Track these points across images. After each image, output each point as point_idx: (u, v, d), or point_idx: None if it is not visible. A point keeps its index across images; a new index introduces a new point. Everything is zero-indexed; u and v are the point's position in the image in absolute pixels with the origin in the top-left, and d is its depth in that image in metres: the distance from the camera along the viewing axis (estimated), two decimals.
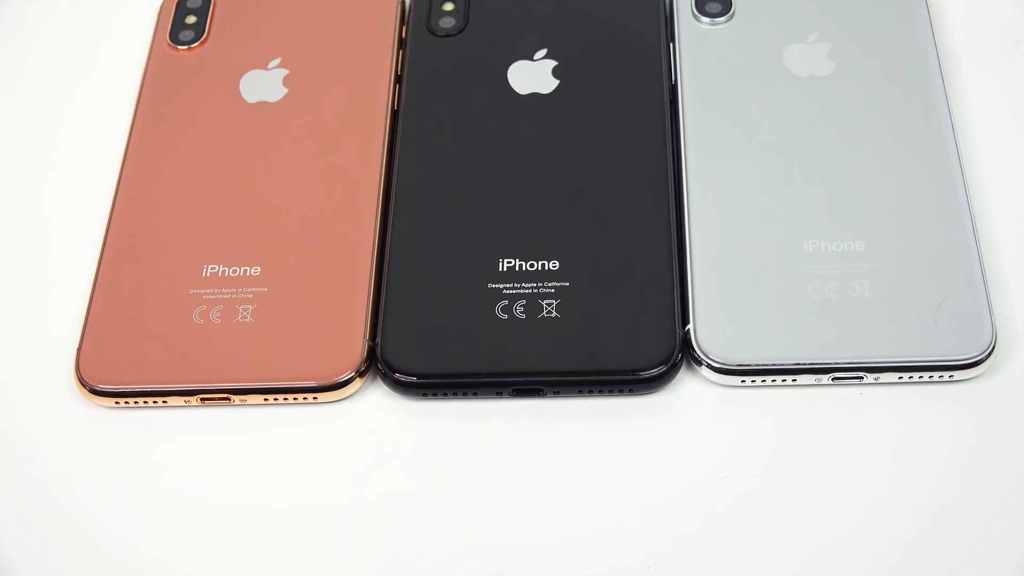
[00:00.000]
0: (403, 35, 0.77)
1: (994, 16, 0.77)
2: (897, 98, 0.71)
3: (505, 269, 0.68)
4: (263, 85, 0.75)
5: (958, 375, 0.64)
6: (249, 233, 0.69)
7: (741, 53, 0.74)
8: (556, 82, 0.74)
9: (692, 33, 0.75)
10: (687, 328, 0.66)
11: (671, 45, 0.75)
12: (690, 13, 0.76)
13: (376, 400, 0.66)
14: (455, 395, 0.66)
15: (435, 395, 0.66)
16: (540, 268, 0.67)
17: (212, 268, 0.68)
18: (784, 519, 0.62)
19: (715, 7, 0.76)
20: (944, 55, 0.74)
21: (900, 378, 0.64)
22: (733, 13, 0.75)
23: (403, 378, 0.65)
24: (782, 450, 0.64)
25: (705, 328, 0.65)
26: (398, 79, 0.75)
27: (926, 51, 0.73)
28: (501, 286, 0.67)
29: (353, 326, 0.67)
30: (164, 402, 0.66)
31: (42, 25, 0.81)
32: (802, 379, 0.65)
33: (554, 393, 0.65)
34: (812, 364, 0.64)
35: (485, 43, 0.76)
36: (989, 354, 0.64)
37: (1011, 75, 0.75)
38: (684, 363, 0.66)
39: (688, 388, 0.66)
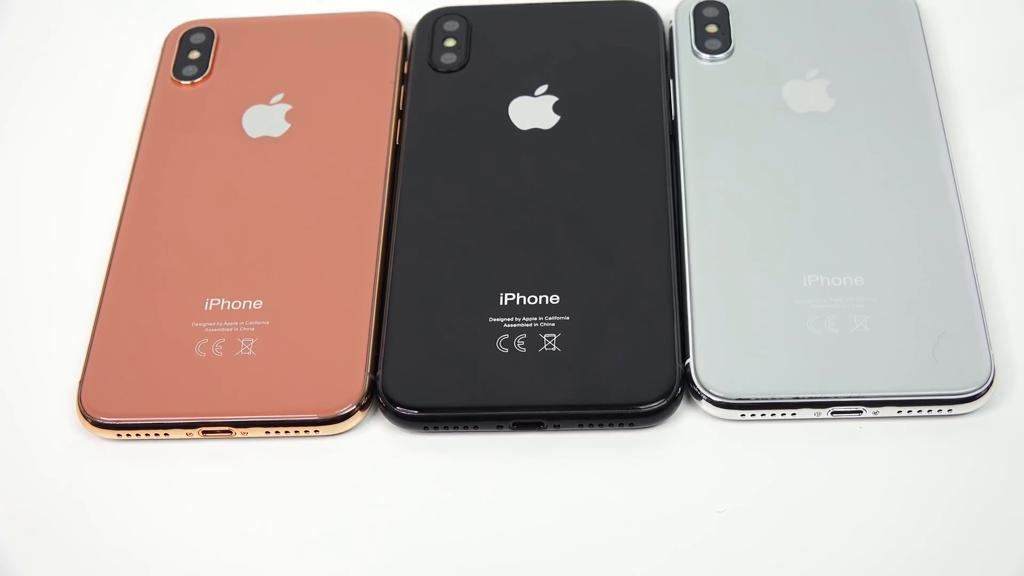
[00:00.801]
0: (405, 71, 0.78)
1: (992, 53, 0.77)
2: (896, 134, 0.72)
3: (506, 303, 0.68)
4: (266, 120, 0.75)
5: (957, 409, 0.64)
6: (251, 267, 0.70)
7: (741, 90, 0.74)
8: (557, 118, 0.74)
9: (692, 70, 0.76)
10: (687, 362, 0.66)
11: (671, 82, 0.75)
12: (690, 50, 0.76)
13: (377, 433, 0.67)
14: (456, 428, 0.66)
15: (436, 428, 0.66)
16: (541, 302, 0.68)
17: (214, 301, 0.69)
18: (783, 552, 0.62)
19: (715, 44, 0.76)
20: (942, 92, 0.74)
21: (899, 412, 0.64)
22: (733, 50, 0.76)
23: (404, 411, 0.66)
24: (782, 484, 0.64)
25: (705, 362, 0.66)
26: (400, 114, 0.76)
27: (924, 87, 0.73)
28: (502, 320, 0.67)
29: (354, 359, 0.67)
30: (166, 434, 0.66)
31: (47, 60, 0.82)
32: (801, 413, 0.65)
33: (554, 427, 0.66)
34: (811, 398, 0.64)
35: (486, 79, 0.76)
36: (988, 388, 0.64)
37: (1008, 112, 0.75)
38: (684, 397, 0.66)
39: (688, 422, 0.66)
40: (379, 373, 0.66)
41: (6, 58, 0.82)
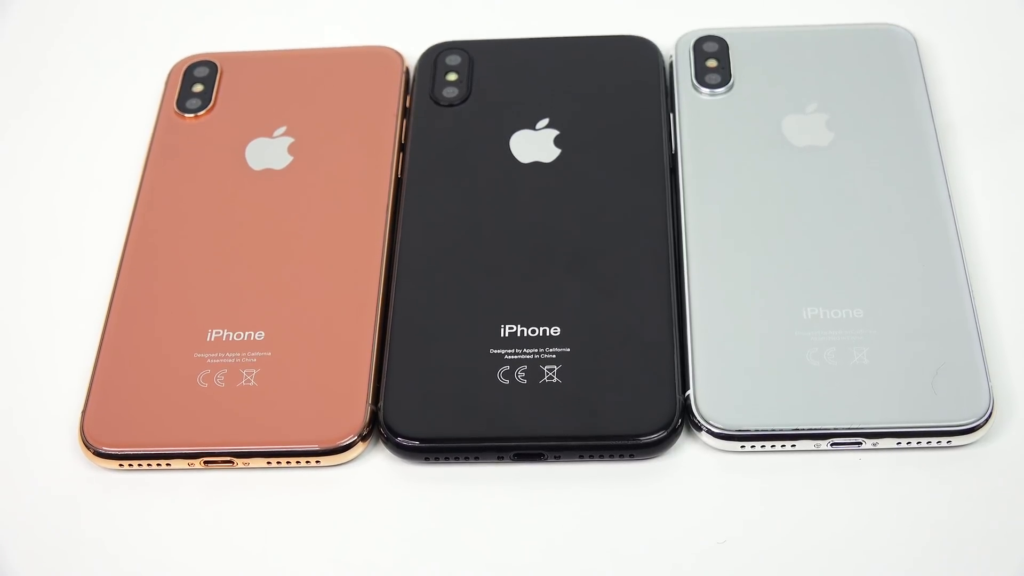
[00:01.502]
0: (407, 104, 0.78)
1: (990, 88, 0.78)
2: (894, 167, 0.72)
3: (507, 335, 0.68)
4: (268, 153, 0.76)
5: (956, 440, 0.64)
6: (253, 298, 0.70)
7: (740, 123, 0.75)
8: (558, 151, 0.75)
9: (692, 103, 0.76)
10: (687, 393, 0.66)
11: (671, 115, 0.76)
12: (690, 84, 0.77)
13: (378, 464, 0.67)
14: (457, 459, 0.66)
15: (437, 459, 0.66)
16: (541, 334, 0.68)
17: (216, 332, 0.69)
18: None
19: (715, 78, 0.77)
20: (940, 125, 0.74)
21: (898, 443, 0.65)
22: (732, 84, 0.76)
23: (405, 442, 0.66)
24: (781, 515, 0.64)
25: (705, 393, 0.66)
26: (402, 147, 0.76)
27: (923, 121, 0.74)
28: (503, 351, 0.67)
29: (356, 390, 0.67)
30: (168, 465, 0.66)
31: (51, 91, 0.82)
32: (801, 444, 0.65)
33: (555, 458, 0.66)
34: (811, 429, 0.65)
35: (488, 112, 0.77)
36: (986, 420, 0.64)
37: (1006, 145, 0.75)
38: (684, 428, 0.66)
39: (688, 453, 0.66)
40: (380, 404, 0.67)
41: (11, 89, 0.83)
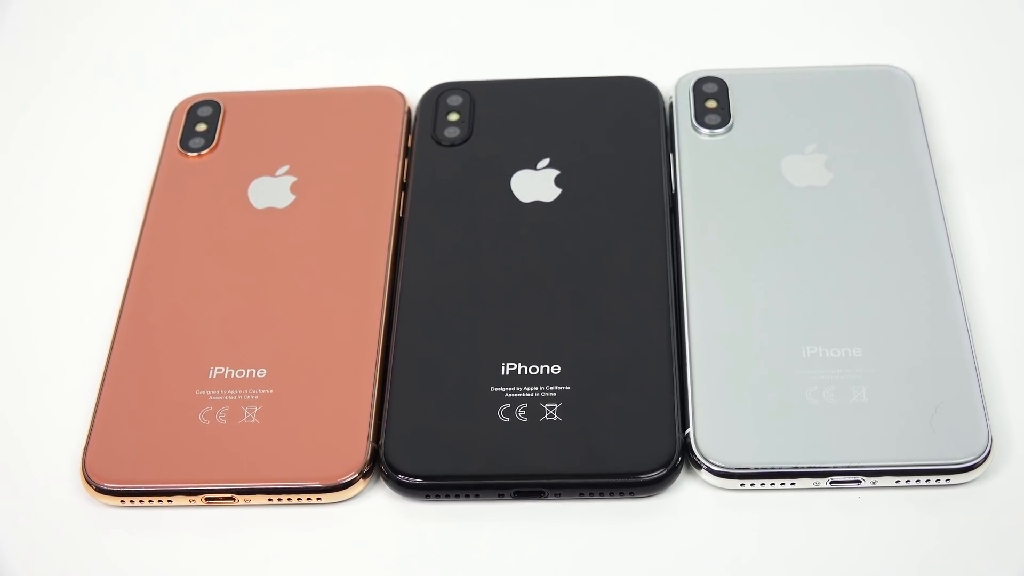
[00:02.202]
0: (409, 144, 0.79)
1: (988, 128, 0.78)
2: (893, 207, 0.73)
3: (507, 373, 0.68)
4: (271, 191, 0.76)
5: (955, 479, 0.65)
6: (255, 336, 0.70)
7: (740, 163, 0.75)
8: (558, 191, 0.75)
9: (692, 144, 0.76)
10: (687, 432, 0.66)
11: (671, 155, 0.76)
12: (690, 125, 0.77)
13: (379, 501, 0.67)
14: (457, 497, 0.66)
15: (438, 497, 0.66)
16: (542, 372, 0.68)
17: (218, 370, 0.69)
18: None
19: (714, 119, 0.77)
20: (939, 165, 0.75)
21: (897, 482, 0.65)
22: (732, 125, 0.77)
23: (406, 480, 0.66)
24: (781, 553, 0.64)
25: (705, 432, 0.66)
26: (404, 187, 0.76)
27: (921, 161, 0.74)
28: (503, 389, 0.68)
29: (357, 428, 0.67)
30: (169, 501, 0.66)
31: (55, 130, 0.83)
32: (800, 483, 0.65)
33: (555, 495, 0.66)
34: (810, 468, 0.65)
35: (489, 152, 0.77)
36: (985, 458, 0.64)
37: (1004, 186, 0.76)
38: (684, 466, 0.66)
39: (688, 491, 0.66)
40: (381, 442, 0.67)
41: (16, 126, 0.83)
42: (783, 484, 0.65)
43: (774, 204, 0.73)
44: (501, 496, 0.66)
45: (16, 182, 0.81)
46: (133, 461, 0.67)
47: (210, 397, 0.68)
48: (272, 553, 0.65)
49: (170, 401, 0.68)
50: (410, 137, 0.79)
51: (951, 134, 0.78)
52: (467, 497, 0.66)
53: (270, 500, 0.66)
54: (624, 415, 0.67)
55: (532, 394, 0.67)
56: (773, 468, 0.65)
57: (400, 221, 0.75)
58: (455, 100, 0.80)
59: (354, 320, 0.71)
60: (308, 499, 0.66)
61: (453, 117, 0.79)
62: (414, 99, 0.81)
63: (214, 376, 0.69)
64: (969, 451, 0.64)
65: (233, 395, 0.68)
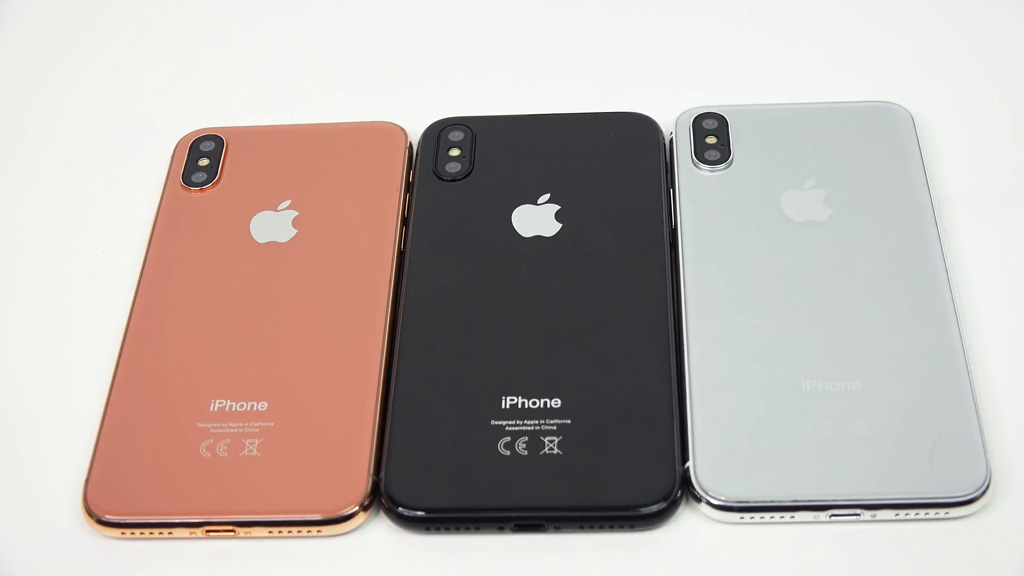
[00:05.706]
0: (410, 179, 0.79)
1: (987, 164, 0.79)
2: (892, 242, 0.73)
3: (508, 406, 0.68)
4: (273, 226, 0.77)
5: (954, 512, 0.65)
6: (257, 369, 0.71)
7: (739, 199, 0.76)
8: (559, 226, 0.75)
9: (692, 179, 0.77)
10: (687, 465, 0.66)
11: (671, 191, 0.77)
12: (690, 160, 0.77)
13: (379, 534, 0.67)
14: (458, 530, 0.66)
15: (438, 529, 0.66)
16: (542, 406, 0.68)
17: (220, 403, 0.69)
18: None
19: (714, 155, 0.77)
20: (938, 201, 0.75)
21: (896, 515, 0.65)
22: (732, 161, 0.77)
23: (406, 512, 0.66)
24: None
25: (705, 465, 0.66)
26: (405, 221, 0.77)
27: (920, 197, 0.75)
28: (504, 423, 0.68)
29: (357, 461, 0.67)
30: (170, 533, 0.66)
31: (59, 164, 0.83)
32: (800, 516, 0.65)
33: (555, 528, 0.66)
34: (810, 501, 0.65)
35: (490, 187, 0.77)
36: (984, 492, 0.64)
37: (1004, 222, 0.76)
38: (684, 500, 0.66)
39: (688, 524, 0.66)
40: (382, 475, 0.67)
41: (19, 160, 0.84)
42: (783, 518, 0.65)
43: (774, 239, 0.74)
44: (501, 529, 0.66)
45: (19, 215, 0.81)
46: (134, 493, 0.67)
47: (211, 430, 0.68)
48: None
49: (171, 434, 0.68)
50: (411, 172, 0.79)
51: (950, 170, 0.78)
52: (467, 530, 0.66)
53: (271, 533, 0.66)
54: (624, 448, 0.67)
55: (532, 427, 0.68)
56: (773, 502, 0.65)
57: (401, 255, 0.75)
58: (456, 135, 0.80)
59: (355, 353, 0.71)
60: (309, 532, 0.66)
61: (454, 152, 0.79)
62: (416, 134, 0.81)
63: (215, 409, 0.69)
64: (968, 485, 0.65)
65: (234, 428, 0.68)
